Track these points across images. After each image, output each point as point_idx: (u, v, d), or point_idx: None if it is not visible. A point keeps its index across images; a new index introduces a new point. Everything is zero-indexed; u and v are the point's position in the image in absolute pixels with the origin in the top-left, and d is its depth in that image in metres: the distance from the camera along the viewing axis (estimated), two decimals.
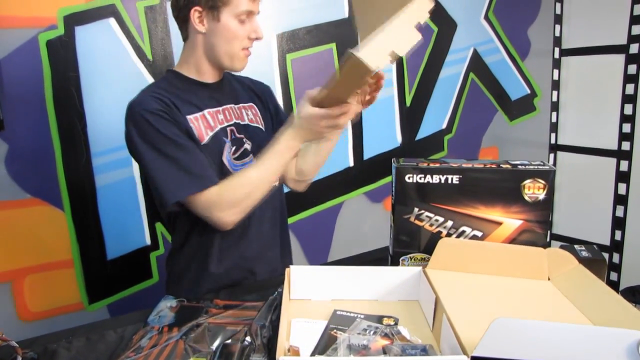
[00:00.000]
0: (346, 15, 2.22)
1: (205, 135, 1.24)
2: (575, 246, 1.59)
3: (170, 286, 1.39)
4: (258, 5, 1.24)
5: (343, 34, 2.23)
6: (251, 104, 1.40)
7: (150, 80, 1.82)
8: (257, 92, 1.45)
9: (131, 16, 1.77)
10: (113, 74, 1.77)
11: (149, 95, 1.20)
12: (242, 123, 1.34)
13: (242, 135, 1.32)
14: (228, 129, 1.30)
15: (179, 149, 1.16)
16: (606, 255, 2.74)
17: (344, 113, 1.10)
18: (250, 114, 1.38)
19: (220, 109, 1.30)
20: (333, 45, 2.21)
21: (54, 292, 1.78)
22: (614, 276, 2.75)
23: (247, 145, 1.33)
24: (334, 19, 2.19)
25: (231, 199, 1.18)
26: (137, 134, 1.17)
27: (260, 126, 1.39)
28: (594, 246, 1.36)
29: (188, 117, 1.22)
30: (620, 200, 2.71)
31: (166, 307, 1.05)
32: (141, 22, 1.79)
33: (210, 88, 1.31)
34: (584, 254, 1.57)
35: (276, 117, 1.46)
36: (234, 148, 1.30)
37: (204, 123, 1.25)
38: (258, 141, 1.34)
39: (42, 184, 1.72)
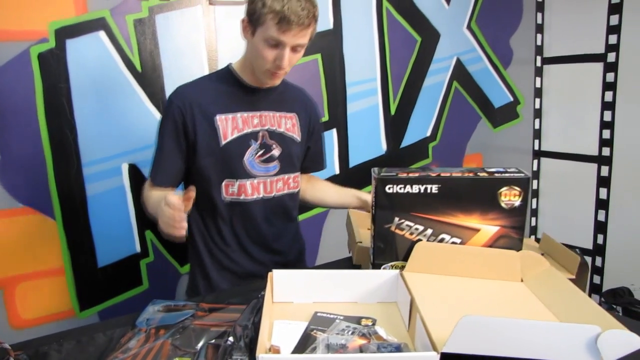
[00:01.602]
0: (331, 26, 2.27)
1: (229, 135, 1.39)
2: None
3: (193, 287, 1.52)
4: (292, 39, 1.27)
5: (328, 45, 2.28)
6: (293, 114, 1.51)
7: (139, 91, 1.85)
8: (304, 106, 1.55)
9: (121, 29, 1.80)
10: (103, 86, 1.80)
11: (189, 89, 1.41)
12: (277, 130, 1.46)
13: (273, 142, 1.45)
14: (260, 133, 1.43)
15: (160, 145, 1.40)
16: (589, 259, 2.79)
17: (172, 218, 1.14)
18: (289, 124, 1.49)
19: (257, 113, 1.43)
20: (318, 56, 2.25)
21: (46, 299, 1.81)
22: (597, 279, 2.81)
23: (276, 152, 1.45)
24: (319, 30, 2.21)
25: (143, 203, 1.44)
26: (162, 113, 1.45)
27: (296, 136, 1.50)
28: (577, 250, 1.40)
29: (218, 116, 1.38)
30: (602, 204, 2.76)
31: (154, 310, 1.09)
32: (130, 35, 1.82)
33: (254, 92, 1.43)
34: None
35: (310, 136, 1.57)
36: (261, 151, 1.43)
37: (233, 124, 1.39)
38: (289, 150, 1.48)
39: (34, 193, 1.75)
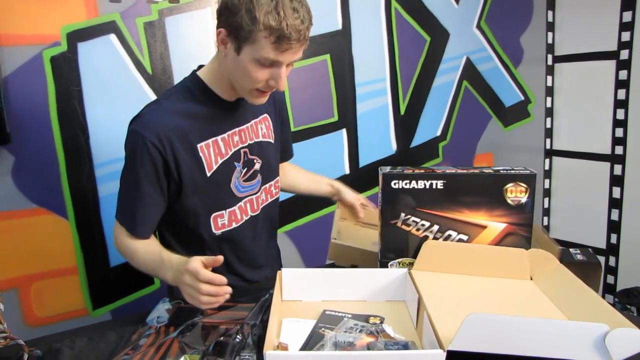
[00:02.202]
0: (340, 27, 2.28)
1: (214, 164, 1.23)
2: (571, 250, 1.62)
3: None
4: (291, 57, 1.10)
5: (337, 45, 2.28)
6: (265, 115, 1.37)
7: (149, 92, 1.87)
8: (275, 98, 1.40)
9: (131, 32, 1.82)
10: (114, 88, 1.82)
11: (159, 117, 1.18)
12: (256, 141, 1.32)
13: (254, 157, 1.32)
14: (242, 151, 1.29)
15: (137, 190, 1.18)
16: (602, 259, 2.77)
17: (217, 295, 1.02)
18: (264, 128, 1.36)
19: (237, 130, 1.27)
20: (327, 57, 2.26)
21: (59, 298, 1.83)
22: (610, 279, 2.78)
23: (257, 165, 1.33)
24: (328, 31, 2.25)
25: (118, 245, 1.26)
26: (126, 150, 1.21)
27: (271, 140, 1.39)
28: (590, 249, 1.39)
29: (199, 144, 1.21)
30: (615, 203, 2.74)
31: (164, 308, 1.11)
32: (141, 38, 1.85)
33: (230, 107, 1.26)
34: (580, 257, 1.60)
35: (282, 127, 1.46)
36: (244, 170, 1.30)
37: (215, 150, 1.23)
38: (268, 158, 1.36)
39: (47, 194, 1.77)
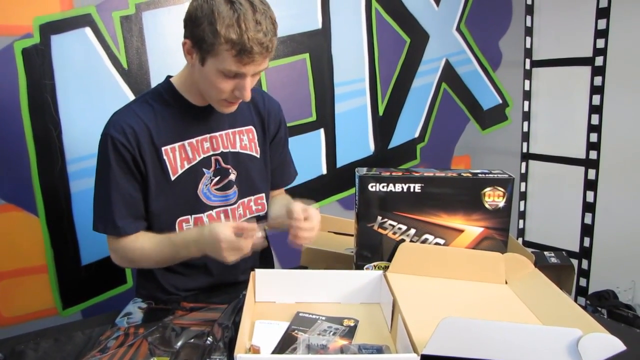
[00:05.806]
0: (320, 26, 2.27)
1: (178, 168, 1.22)
2: (545, 253, 1.64)
3: (141, 287, 1.38)
4: (255, 68, 1.09)
5: (316, 45, 2.27)
6: (250, 127, 1.33)
7: (125, 88, 1.84)
8: (261, 113, 1.35)
9: (107, 26, 1.79)
10: (88, 82, 1.78)
11: (128, 119, 1.18)
12: (232, 151, 1.29)
13: (228, 166, 1.28)
14: (213, 158, 1.26)
15: (111, 186, 1.17)
16: (575, 262, 2.81)
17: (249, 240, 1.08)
18: (245, 140, 1.31)
19: (207, 136, 1.25)
20: (307, 56, 2.25)
21: (28, 297, 1.78)
22: (583, 282, 2.82)
23: (233, 176, 1.29)
24: (307, 30, 2.24)
25: (122, 256, 1.23)
26: (98, 150, 1.20)
27: (254, 153, 1.33)
28: (563, 253, 1.40)
29: (164, 148, 1.20)
30: (589, 207, 2.78)
31: (134, 309, 1.08)
32: (117, 32, 1.81)
33: (202, 113, 1.24)
34: (553, 260, 1.63)
35: (272, 142, 1.39)
36: (216, 178, 1.26)
37: (182, 154, 1.22)
38: (246, 171, 1.31)
39: (17, 189, 1.73)
